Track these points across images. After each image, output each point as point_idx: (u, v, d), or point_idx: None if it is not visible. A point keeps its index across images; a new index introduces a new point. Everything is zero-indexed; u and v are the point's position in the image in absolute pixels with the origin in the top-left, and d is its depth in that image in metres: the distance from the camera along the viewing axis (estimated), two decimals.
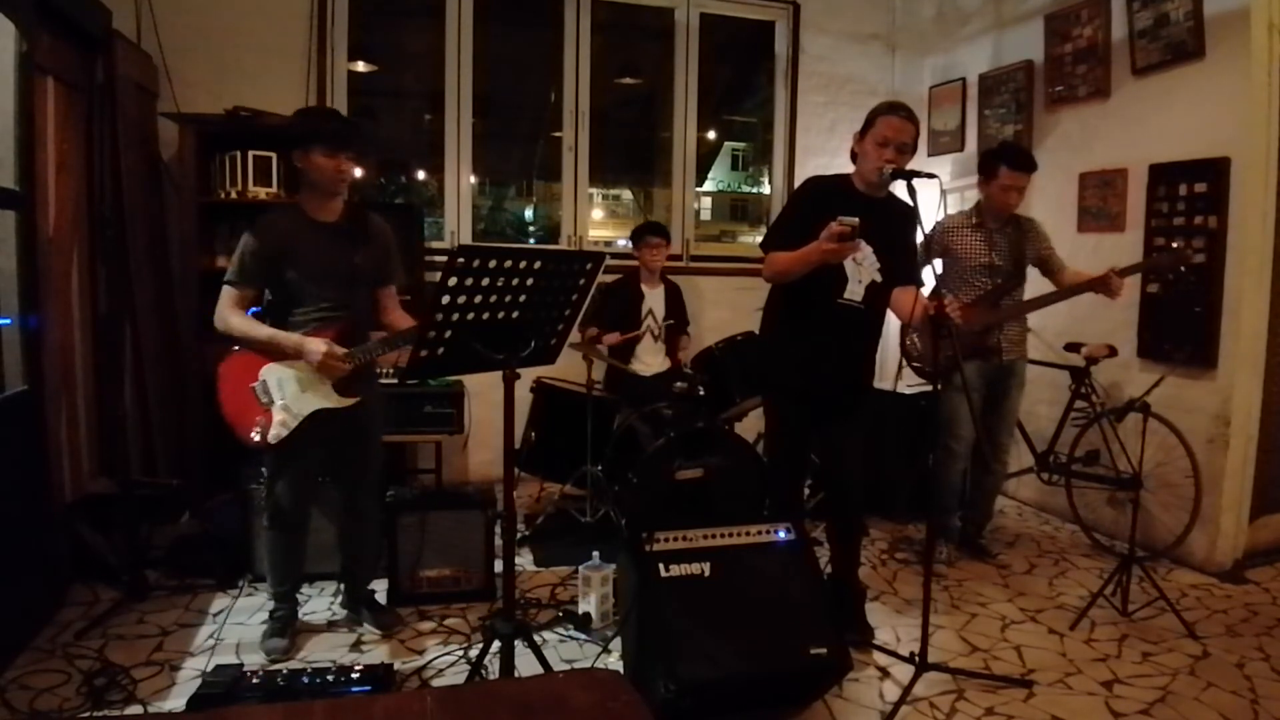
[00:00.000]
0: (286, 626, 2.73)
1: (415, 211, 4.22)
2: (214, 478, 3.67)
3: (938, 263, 3.59)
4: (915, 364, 3.58)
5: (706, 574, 2.39)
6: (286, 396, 2.53)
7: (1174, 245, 3.48)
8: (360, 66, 4.63)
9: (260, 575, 3.05)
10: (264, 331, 2.52)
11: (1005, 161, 3.38)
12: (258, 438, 2.51)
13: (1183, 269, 3.45)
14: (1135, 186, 3.80)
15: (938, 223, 3.56)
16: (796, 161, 5.22)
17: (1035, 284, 3.54)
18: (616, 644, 2.68)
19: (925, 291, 2.79)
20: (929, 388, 3.86)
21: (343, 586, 3.00)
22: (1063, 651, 2.83)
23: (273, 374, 2.53)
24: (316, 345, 2.48)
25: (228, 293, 2.52)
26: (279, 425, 2.51)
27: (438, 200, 4.80)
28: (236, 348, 2.55)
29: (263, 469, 2.78)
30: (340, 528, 2.95)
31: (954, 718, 2.40)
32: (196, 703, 2.21)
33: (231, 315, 2.51)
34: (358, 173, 2.65)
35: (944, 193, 3.36)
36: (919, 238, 2.73)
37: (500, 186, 6.48)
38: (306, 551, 2.84)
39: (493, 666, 2.28)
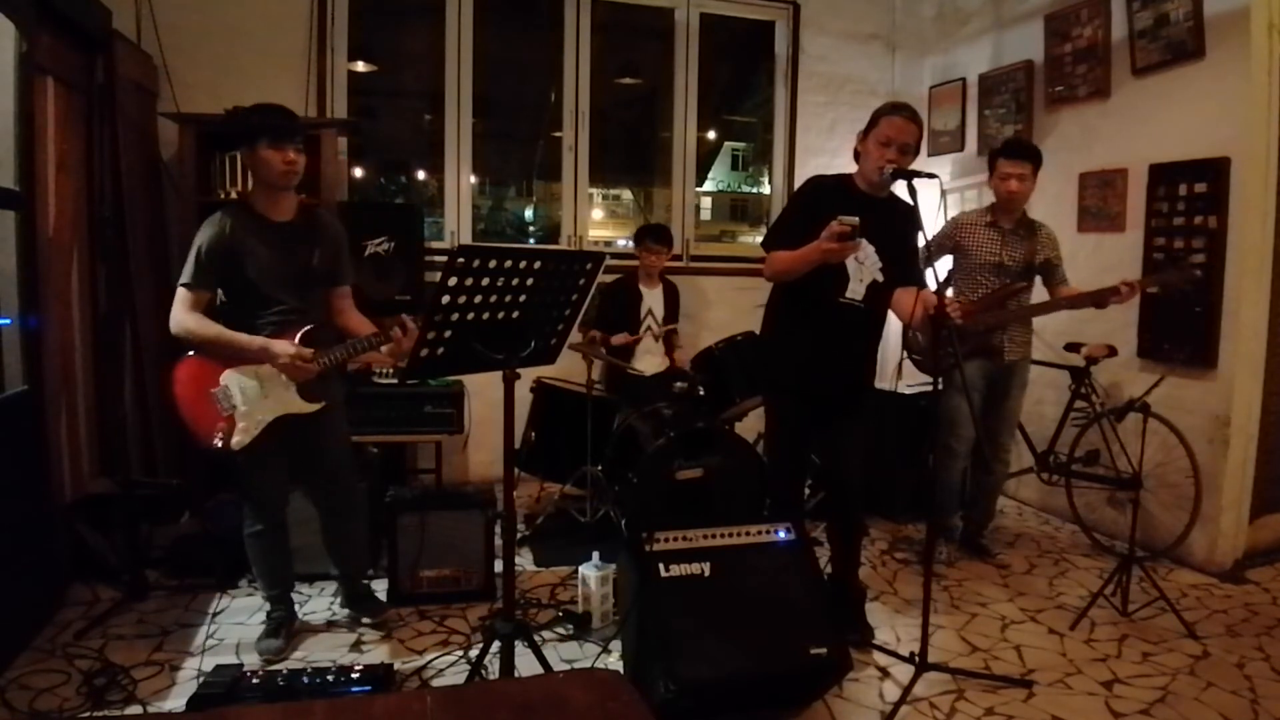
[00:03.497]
0: (281, 627, 2.73)
1: (415, 211, 4.22)
2: (214, 478, 3.66)
3: (947, 259, 3.61)
4: (915, 356, 3.59)
5: (706, 574, 2.39)
6: (249, 402, 2.49)
7: (1177, 256, 3.48)
8: (360, 66, 4.63)
9: None
10: (225, 334, 2.45)
11: (1001, 153, 3.48)
12: (219, 444, 2.47)
13: (1185, 288, 3.45)
14: (1135, 186, 3.80)
15: (952, 218, 3.60)
16: (796, 161, 5.21)
17: (1041, 289, 3.55)
18: (616, 644, 2.68)
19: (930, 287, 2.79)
20: (929, 388, 3.87)
21: (337, 588, 2.99)
22: (1063, 651, 2.83)
23: (233, 379, 2.48)
24: (283, 346, 2.44)
25: (182, 295, 2.46)
26: (241, 432, 2.47)
27: (438, 200, 4.80)
28: (191, 351, 2.49)
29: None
30: (323, 532, 2.89)
31: (954, 718, 2.40)
32: (196, 703, 2.21)
33: (188, 318, 2.45)
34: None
35: (944, 193, 3.35)
36: (920, 238, 2.73)
37: (500, 186, 6.49)
38: (291, 552, 2.82)
39: (493, 666, 2.28)
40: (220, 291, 2.53)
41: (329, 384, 2.63)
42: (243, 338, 2.46)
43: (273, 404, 2.51)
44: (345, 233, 2.74)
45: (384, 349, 2.48)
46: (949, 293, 3.58)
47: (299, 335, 2.50)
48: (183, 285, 2.47)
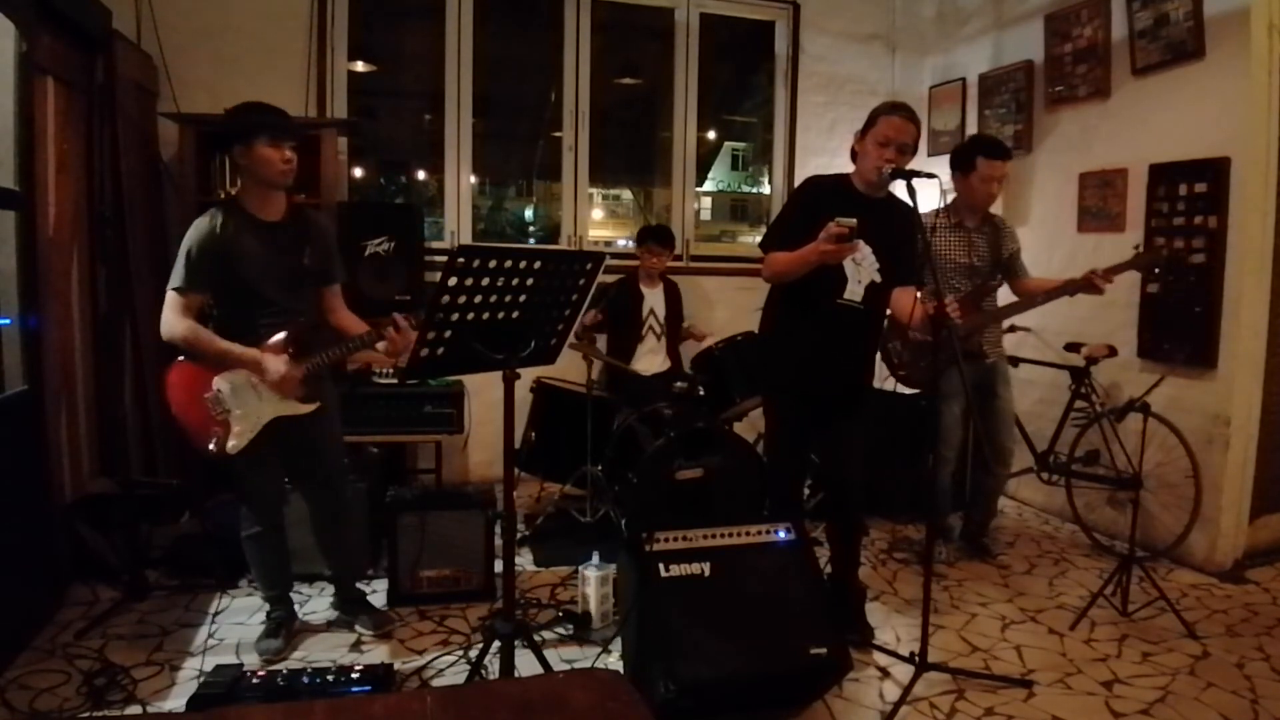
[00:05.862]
0: (281, 627, 2.72)
1: (415, 211, 4.22)
2: (214, 478, 3.66)
3: None
4: (900, 373, 3.54)
5: (706, 574, 2.39)
6: (244, 405, 2.46)
7: (1155, 243, 3.48)
8: (360, 66, 4.63)
9: None
10: (218, 345, 2.41)
11: (981, 152, 3.34)
12: (214, 448, 2.44)
13: (1156, 270, 3.45)
14: (1135, 186, 3.80)
15: None
16: (796, 161, 5.22)
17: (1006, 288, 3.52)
18: (616, 644, 2.68)
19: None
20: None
21: (333, 589, 2.98)
22: (1063, 651, 2.83)
23: (227, 383, 2.45)
24: (276, 366, 2.42)
25: (174, 300, 2.39)
26: (236, 436, 2.45)
27: (438, 200, 4.80)
28: (181, 356, 2.45)
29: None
30: (316, 533, 2.87)
31: (954, 718, 2.40)
32: (196, 703, 2.21)
33: (180, 325, 2.39)
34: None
35: (944, 193, 3.36)
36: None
37: (500, 186, 6.48)
38: (289, 553, 2.82)
39: (493, 666, 2.28)
40: (211, 296, 2.48)
41: (323, 385, 2.62)
42: (236, 349, 2.42)
43: (267, 406, 2.49)
44: (334, 231, 2.72)
45: (379, 347, 2.46)
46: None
47: (289, 336, 2.47)
48: (174, 290, 2.40)
